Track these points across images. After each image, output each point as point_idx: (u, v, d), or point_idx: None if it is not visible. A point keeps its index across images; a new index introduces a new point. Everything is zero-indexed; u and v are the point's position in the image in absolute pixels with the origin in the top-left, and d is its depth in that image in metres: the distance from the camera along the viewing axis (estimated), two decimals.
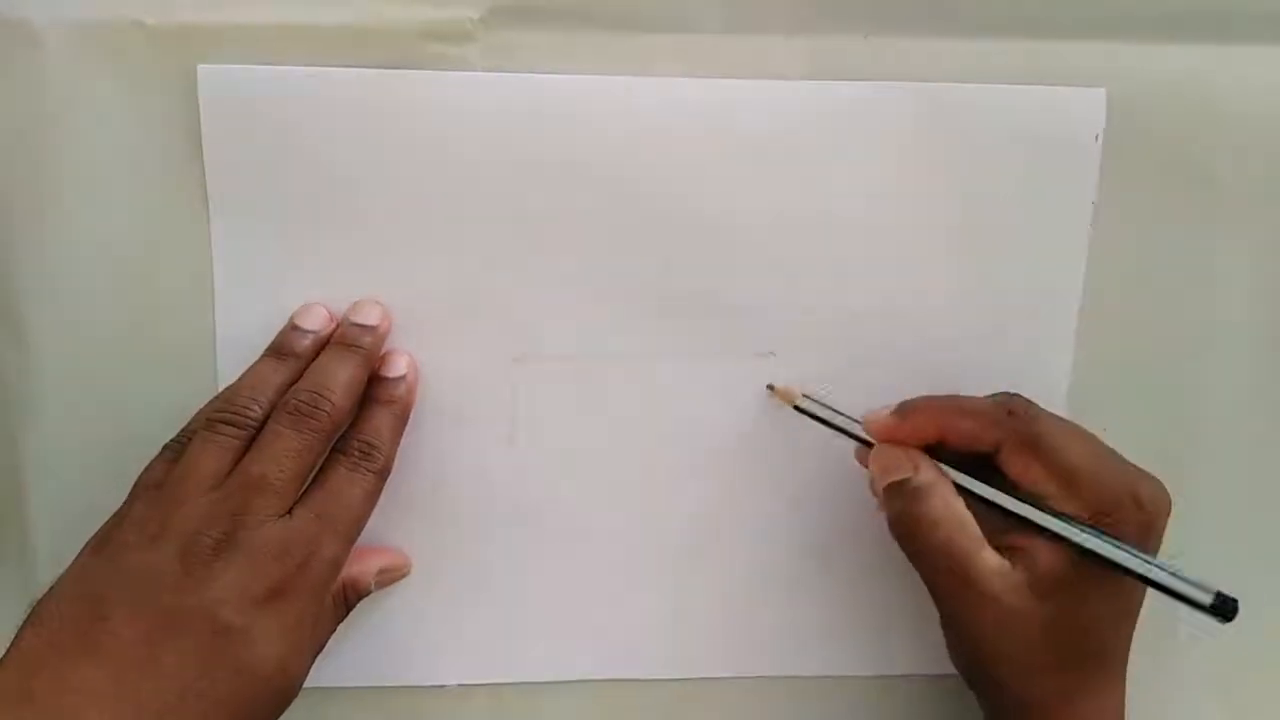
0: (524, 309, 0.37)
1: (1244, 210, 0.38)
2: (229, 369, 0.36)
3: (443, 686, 0.38)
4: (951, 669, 0.35)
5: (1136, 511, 0.32)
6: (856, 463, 0.36)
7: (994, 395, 0.34)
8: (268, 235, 0.36)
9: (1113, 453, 0.33)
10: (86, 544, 0.31)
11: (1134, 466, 0.33)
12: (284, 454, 0.32)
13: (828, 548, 0.39)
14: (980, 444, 0.33)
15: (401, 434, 0.35)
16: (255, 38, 0.34)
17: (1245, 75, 0.37)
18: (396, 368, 0.35)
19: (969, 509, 0.33)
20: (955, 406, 0.34)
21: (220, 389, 0.36)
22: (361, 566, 0.36)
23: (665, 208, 0.36)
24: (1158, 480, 0.33)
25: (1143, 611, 0.32)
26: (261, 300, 0.36)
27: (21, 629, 0.29)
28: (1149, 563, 0.31)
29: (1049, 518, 0.32)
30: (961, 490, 0.33)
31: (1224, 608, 0.30)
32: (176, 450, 0.33)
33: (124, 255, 0.35)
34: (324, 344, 0.35)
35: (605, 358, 0.37)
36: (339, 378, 0.34)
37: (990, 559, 0.32)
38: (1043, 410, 0.33)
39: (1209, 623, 0.31)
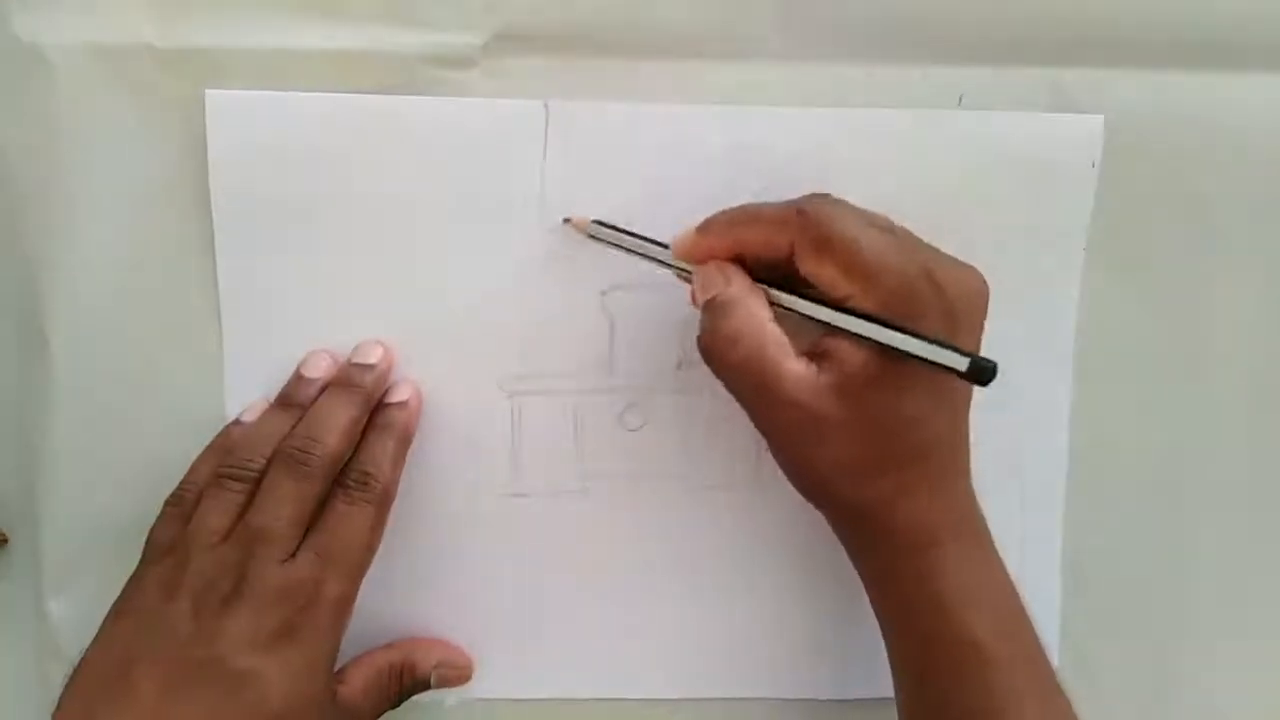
0: (528, 330, 0.37)
1: (1240, 237, 0.38)
2: (235, 384, 0.37)
3: (441, 703, 0.39)
4: None
5: (935, 296, 0.31)
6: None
7: (795, 200, 0.33)
8: (273, 256, 0.36)
9: (912, 241, 0.32)
10: (110, 610, 0.33)
11: (937, 253, 0.32)
12: (281, 502, 0.33)
13: (837, 570, 0.38)
14: (776, 249, 0.32)
15: (403, 459, 0.36)
16: (262, 63, 0.35)
17: (1243, 103, 0.38)
18: (399, 394, 0.36)
19: (781, 322, 0.32)
20: (748, 214, 0.33)
21: (227, 404, 0.37)
22: (423, 654, 0.37)
23: (669, 232, 0.37)
24: (968, 266, 0.32)
25: (1139, 609, 0.31)
26: (266, 319, 0.37)
27: (61, 696, 0.31)
28: (904, 332, 0.30)
29: (817, 307, 0.31)
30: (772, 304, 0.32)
31: (980, 373, 0.29)
32: (177, 503, 0.34)
33: (131, 274, 0.36)
34: None
35: (608, 377, 0.38)
36: (335, 421, 0.34)
37: (795, 367, 0.31)
38: (837, 208, 0.32)
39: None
